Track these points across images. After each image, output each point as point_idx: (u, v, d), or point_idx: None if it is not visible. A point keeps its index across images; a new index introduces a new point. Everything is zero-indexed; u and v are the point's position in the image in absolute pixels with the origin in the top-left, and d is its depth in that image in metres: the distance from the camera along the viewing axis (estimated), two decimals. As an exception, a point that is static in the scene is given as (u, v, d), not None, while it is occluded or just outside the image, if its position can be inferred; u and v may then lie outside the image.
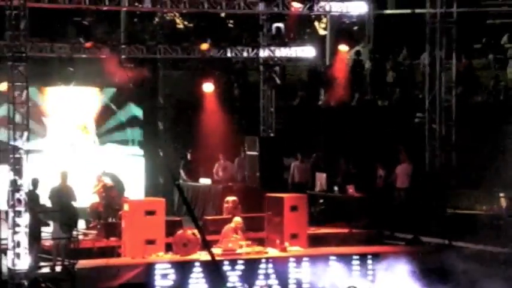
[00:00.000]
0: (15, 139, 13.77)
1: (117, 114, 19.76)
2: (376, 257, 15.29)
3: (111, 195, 16.80)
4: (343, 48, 19.29)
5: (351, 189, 17.85)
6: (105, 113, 19.57)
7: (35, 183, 14.53)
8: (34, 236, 14.08)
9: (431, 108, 18.51)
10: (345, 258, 15.24)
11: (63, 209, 14.68)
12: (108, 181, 16.86)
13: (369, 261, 15.32)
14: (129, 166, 19.59)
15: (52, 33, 17.87)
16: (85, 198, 16.49)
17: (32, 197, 14.27)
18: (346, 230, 16.69)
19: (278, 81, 18.81)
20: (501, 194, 16.01)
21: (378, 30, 23.53)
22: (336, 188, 18.35)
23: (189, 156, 19.89)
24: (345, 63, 20.60)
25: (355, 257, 15.33)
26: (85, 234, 15.58)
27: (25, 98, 13.84)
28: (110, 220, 16.11)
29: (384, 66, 22.81)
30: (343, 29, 18.71)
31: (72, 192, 15.01)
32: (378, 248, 15.88)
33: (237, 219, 15.41)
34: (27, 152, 13.71)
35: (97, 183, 17.19)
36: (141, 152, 19.83)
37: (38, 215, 14.36)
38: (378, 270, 15.03)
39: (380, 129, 19.91)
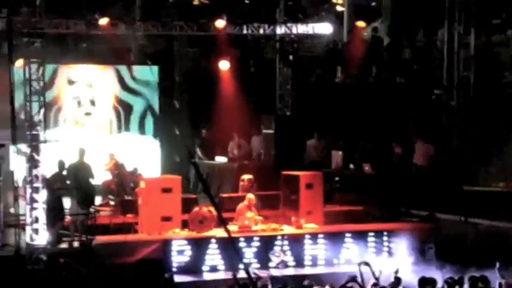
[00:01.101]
0: (31, 116, 13.86)
1: (133, 93, 19.75)
2: (392, 233, 15.27)
3: (123, 173, 16.84)
4: (360, 24, 19.11)
5: (366, 167, 17.79)
6: (122, 92, 19.57)
7: (61, 165, 14.65)
8: (58, 217, 14.21)
9: (449, 84, 18.34)
10: (361, 235, 15.24)
11: (80, 186, 14.77)
12: None
13: (385, 238, 15.32)
14: (145, 144, 19.64)
15: (68, 9, 17.85)
16: (98, 176, 16.55)
17: (58, 178, 14.39)
18: (361, 208, 16.67)
19: (291, 58, 18.65)
20: (518, 171, 15.90)
21: (396, 6, 23.24)
22: (351, 166, 18.30)
23: (204, 134, 19.89)
24: (362, 39, 20.40)
25: (370, 233, 15.33)
26: (98, 211, 15.65)
27: (41, 74, 13.91)
28: (122, 197, 16.16)
29: (402, 43, 22.57)
30: (361, 5, 18.51)
31: (90, 169, 15.10)
32: (393, 224, 15.84)
33: (250, 196, 15.40)
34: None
35: (109, 161, 17.23)
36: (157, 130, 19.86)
37: (62, 196, 14.45)
38: (393, 247, 15.02)
39: (397, 106, 19.77)
